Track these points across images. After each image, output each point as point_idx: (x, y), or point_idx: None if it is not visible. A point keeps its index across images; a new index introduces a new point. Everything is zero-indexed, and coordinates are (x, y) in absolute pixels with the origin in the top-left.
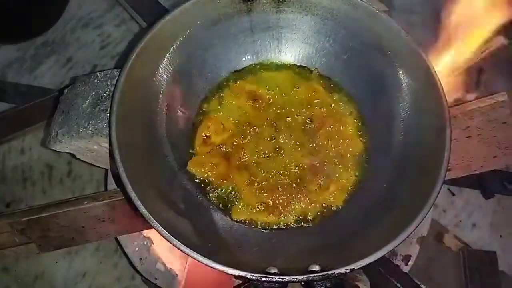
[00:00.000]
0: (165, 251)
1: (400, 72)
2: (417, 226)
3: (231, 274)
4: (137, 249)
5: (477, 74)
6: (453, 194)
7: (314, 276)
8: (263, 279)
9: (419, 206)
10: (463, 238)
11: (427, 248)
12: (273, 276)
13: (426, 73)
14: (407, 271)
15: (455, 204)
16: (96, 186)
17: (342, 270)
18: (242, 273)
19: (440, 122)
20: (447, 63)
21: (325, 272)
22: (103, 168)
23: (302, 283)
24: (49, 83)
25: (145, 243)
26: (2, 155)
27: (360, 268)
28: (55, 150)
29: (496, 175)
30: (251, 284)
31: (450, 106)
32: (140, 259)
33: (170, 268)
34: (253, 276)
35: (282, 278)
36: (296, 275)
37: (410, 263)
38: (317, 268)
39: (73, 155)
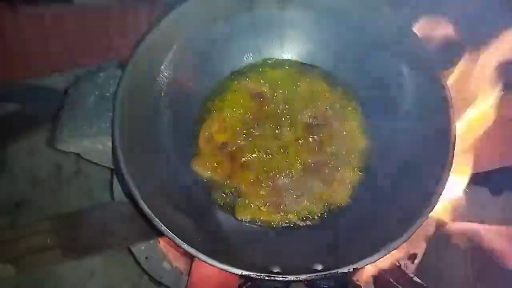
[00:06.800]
0: (171, 250)
1: (404, 69)
2: (421, 224)
3: (234, 274)
4: (143, 247)
5: None
6: None
7: (317, 275)
8: (266, 278)
9: (424, 203)
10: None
11: (434, 246)
12: (276, 275)
13: (431, 70)
14: (413, 269)
15: (463, 201)
16: (104, 185)
17: (345, 269)
18: (245, 273)
19: (444, 119)
20: None
21: (329, 271)
22: (109, 168)
23: (306, 282)
24: (54, 82)
25: (151, 241)
26: (10, 155)
27: (364, 267)
28: (62, 150)
29: (505, 172)
30: (254, 283)
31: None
32: (146, 257)
33: (176, 267)
34: (257, 275)
35: (285, 277)
36: (299, 274)
37: (416, 261)
38: (320, 267)
39: (80, 155)
